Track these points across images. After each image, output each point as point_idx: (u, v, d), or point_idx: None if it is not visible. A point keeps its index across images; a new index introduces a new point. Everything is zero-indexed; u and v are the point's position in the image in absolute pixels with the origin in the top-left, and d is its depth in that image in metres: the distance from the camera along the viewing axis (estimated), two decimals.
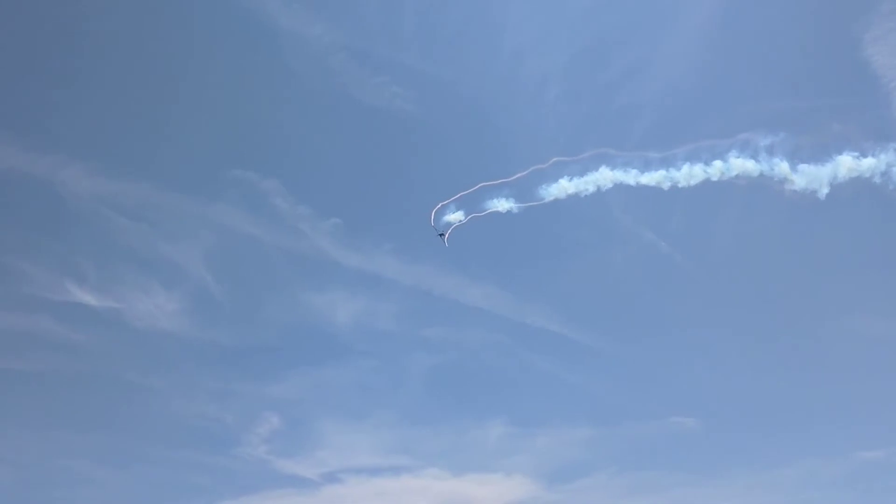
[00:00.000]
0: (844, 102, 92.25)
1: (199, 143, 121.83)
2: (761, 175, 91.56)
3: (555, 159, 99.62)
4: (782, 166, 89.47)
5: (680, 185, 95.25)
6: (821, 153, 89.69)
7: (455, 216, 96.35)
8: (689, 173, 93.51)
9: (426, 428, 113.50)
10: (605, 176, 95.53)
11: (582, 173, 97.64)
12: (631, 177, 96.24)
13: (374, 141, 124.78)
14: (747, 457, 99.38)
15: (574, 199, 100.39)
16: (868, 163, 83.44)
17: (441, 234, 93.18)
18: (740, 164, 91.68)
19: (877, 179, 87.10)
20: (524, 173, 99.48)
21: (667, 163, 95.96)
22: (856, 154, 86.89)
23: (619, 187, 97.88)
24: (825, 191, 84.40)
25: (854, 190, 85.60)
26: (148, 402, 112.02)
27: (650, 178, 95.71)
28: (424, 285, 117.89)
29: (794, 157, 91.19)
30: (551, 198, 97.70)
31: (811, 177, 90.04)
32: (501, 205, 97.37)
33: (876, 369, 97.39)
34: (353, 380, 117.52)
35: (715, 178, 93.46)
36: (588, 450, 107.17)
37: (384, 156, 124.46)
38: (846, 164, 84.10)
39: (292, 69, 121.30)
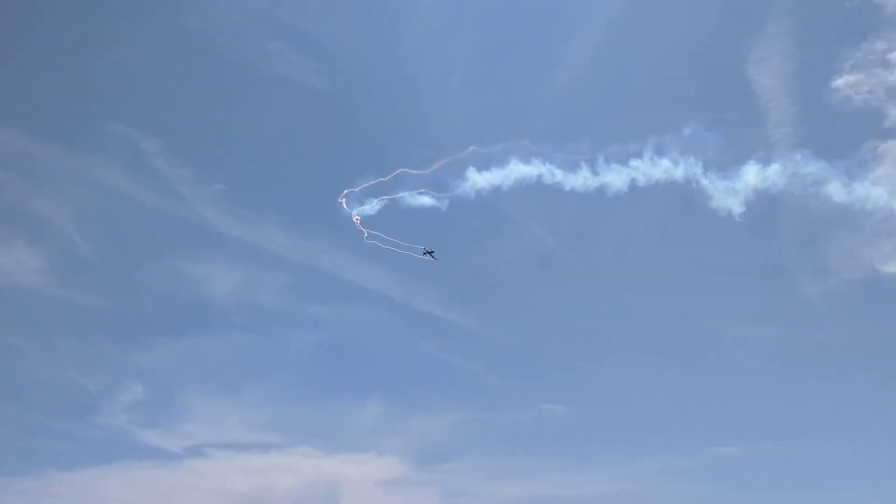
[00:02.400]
0: (725, 116, 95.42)
1: (79, 93, 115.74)
2: (648, 181, 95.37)
3: (472, 148, 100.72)
4: (668, 173, 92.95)
5: (573, 185, 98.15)
6: (701, 164, 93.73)
7: (367, 207, 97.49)
8: (584, 175, 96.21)
9: (301, 406, 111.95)
10: (515, 170, 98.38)
11: (489, 167, 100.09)
12: (537, 172, 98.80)
13: (269, 109, 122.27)
14: (613, 446, 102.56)
15: (474, 189, 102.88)
16: (754, 175, 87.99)
17: (427, 252, 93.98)
18: (628, 170, 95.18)
19: (749, 194, 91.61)
20: (440, 163, 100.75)
21: (565, 162, 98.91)
22: (739, 167, 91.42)
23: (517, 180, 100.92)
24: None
25: (731, 203, 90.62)
26: (3, 362, 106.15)
27: (549, 175, 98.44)
28: (311, 261, 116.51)
29: (678, 165, 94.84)
30: (462, 190, 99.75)
31: (694, 186, 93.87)
32: (418, 199, 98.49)
33: (735, 371, 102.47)
34: (228, 353, 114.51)
35: (608, 182, 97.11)
36: (462, 432, 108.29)
37: (279, 125, 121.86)
38: (750, 175, 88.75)
39: (187, 26, 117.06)
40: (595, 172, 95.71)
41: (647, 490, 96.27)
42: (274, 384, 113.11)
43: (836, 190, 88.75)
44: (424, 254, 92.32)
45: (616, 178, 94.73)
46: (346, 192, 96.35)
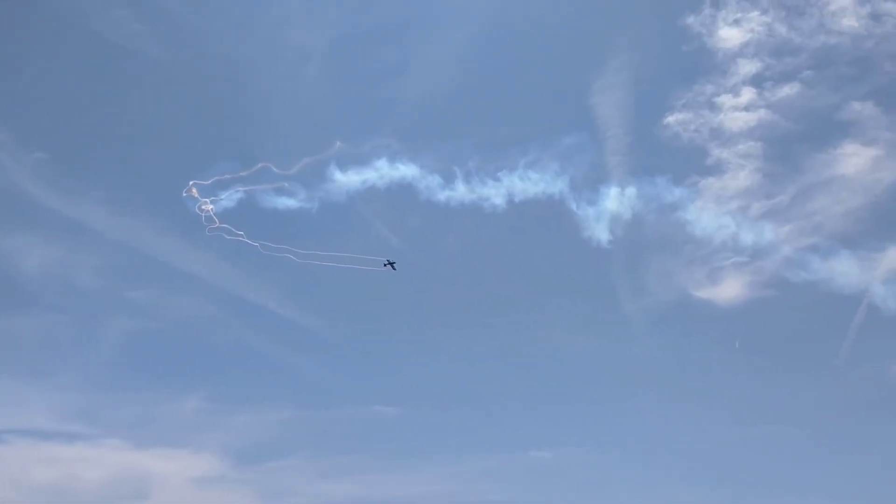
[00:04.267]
0: (567, 140, 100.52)
1: None
2: (504, 193, 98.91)
3: (330, 145, 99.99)
4: (520, 185, 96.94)
5: (426, 188, 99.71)
6: (540, 182, 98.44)
7: (220, 199, 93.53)
8: (436, 179, 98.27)
9: (113, 395, 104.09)
10: (371, 170, 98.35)
11: (343, 165, 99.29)
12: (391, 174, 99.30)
13: (105, 78, 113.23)
14: (438, 448, 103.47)
15: (320, 183, 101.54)
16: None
17: (388, 264, 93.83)
18: (481, 180, 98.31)
19: (584, 211, 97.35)
20: (303, 161, 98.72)
21: (419, 164, 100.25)
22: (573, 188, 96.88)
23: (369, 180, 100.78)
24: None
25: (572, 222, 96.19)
26: None
27: (402, 176, 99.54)
28: (136, 242, 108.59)
29: (519, 180, 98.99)
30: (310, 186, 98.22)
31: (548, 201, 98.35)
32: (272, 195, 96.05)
33: (558, 379, 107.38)
34: (36, 334, 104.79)
35: (460, 188, 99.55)
36: (286, 431, 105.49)
37: (113, 96, 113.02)
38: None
39: None
40: (448, 178, 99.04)
41: (468, 490, 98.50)
42: (85, 371, 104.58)
43: (660, 218, 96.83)
44: (385, 265, 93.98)
45: (468, 186, 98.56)
46: (192, 182, 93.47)
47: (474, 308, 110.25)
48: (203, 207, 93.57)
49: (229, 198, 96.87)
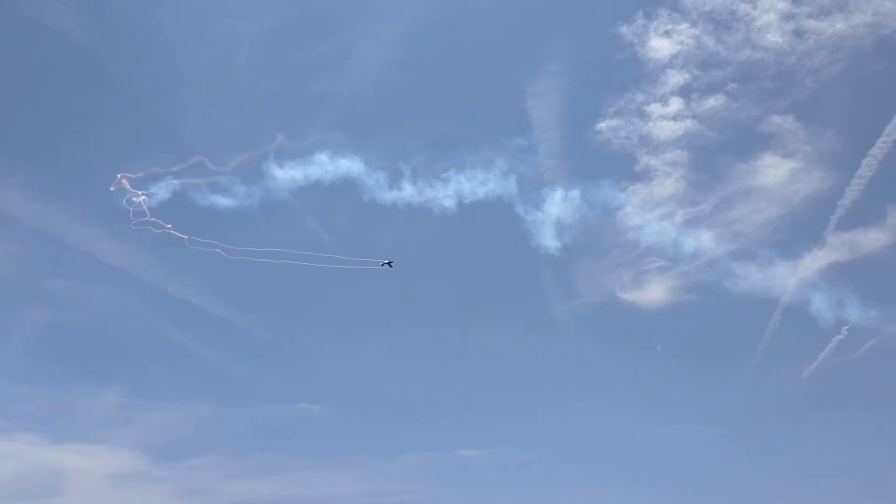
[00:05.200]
0: (505, 142, 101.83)
1: None
2: (436, 191, 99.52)
3: (279, 138, 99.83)
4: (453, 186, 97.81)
5: (360, 184, 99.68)
6: (474, 182, 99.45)
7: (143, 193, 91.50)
8: (375, 177, 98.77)
9: (27, 388, 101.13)
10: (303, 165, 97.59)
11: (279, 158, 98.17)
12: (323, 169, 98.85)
13: (29, 61, 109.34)
14: (365, 447, 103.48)
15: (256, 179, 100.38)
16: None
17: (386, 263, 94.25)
18: (412, 178, 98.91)
19: (525, 212, 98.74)
20: (244, 155, 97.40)
21: (353, 161, 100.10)
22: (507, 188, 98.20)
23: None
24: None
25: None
26: None
27: (335, 172, 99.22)
28: (56, 231, 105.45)
29: (456, 179, 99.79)
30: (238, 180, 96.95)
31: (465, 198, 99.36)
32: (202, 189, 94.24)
33: (486, 379, 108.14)
34: None
35: (393, 186, 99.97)
36: (207, 428, 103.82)
37: (37, 80, 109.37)
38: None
39: None
40: (392, 176, 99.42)
41: (393, 489, 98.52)
42: None
43: (591, 220, 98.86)
44: (383, 264, 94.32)
45: (413, 186, 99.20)
46: (122, 175, 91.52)
47: (404, 308, 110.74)
48: (134, 199, 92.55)
49: (161, 191, 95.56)
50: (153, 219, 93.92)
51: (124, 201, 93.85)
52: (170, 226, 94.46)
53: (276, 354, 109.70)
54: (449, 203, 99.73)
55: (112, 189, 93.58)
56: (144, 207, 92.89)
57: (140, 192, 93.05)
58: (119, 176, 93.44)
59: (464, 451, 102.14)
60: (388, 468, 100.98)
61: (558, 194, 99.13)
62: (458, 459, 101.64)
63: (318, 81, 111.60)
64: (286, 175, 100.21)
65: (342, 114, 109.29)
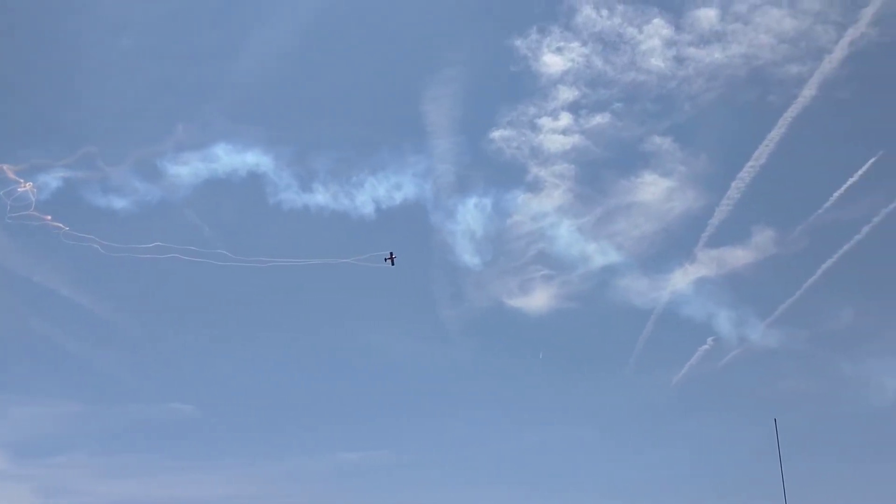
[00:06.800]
0: (397, 143, 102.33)
1: None
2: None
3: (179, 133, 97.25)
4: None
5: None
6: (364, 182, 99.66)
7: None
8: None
9: None
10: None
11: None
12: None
13: None
14: (241, 449, 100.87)
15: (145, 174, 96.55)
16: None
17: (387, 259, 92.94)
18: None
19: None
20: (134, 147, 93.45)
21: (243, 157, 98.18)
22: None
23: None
24: None
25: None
26: None
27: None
28: None
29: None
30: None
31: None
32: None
33: (371, 381, 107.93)
34: None
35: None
36: (73, 426, 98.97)
37: None
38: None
39: None
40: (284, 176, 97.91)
41: (268, 492, 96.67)
42: None
43: (482, 227, 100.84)
44: (386, 259, 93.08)
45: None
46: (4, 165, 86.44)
47: (285, 309, 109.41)
48: (19, 189, 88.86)
49: (48, 183, 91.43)
50: (34, 212, 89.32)
51: (2, 193, 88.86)
52: (49, 217, 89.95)
53: (150, 352, 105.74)
54: (322, 201, 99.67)
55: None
56: (32, 199, 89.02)
57: (24, 183, 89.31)
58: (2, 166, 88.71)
59: (344, 455, 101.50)
60: (263, 471, 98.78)
61: (450, 201, 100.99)
62: (337, 463, 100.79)
63: (207, 72, 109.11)
64: (178, 171, 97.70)
65: (231, 107, 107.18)
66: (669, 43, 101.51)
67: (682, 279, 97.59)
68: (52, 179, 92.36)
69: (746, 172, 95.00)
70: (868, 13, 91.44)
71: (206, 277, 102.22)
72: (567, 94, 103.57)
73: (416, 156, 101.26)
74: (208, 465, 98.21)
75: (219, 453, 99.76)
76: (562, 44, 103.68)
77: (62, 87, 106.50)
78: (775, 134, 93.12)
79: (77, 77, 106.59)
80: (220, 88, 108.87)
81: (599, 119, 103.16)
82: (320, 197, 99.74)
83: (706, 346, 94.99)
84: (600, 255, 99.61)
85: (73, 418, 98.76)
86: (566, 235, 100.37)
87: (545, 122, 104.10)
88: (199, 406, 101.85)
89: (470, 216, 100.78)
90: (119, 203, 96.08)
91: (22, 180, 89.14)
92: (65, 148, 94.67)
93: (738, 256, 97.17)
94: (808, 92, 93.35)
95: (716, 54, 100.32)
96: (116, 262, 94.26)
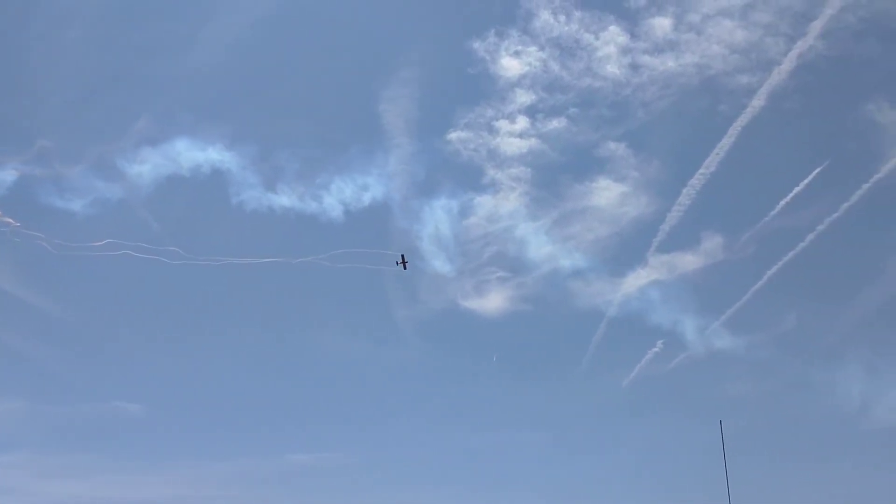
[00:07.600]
0: (354, 145, 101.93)
1: None
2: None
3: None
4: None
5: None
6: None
7: None
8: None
9: None
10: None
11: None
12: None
13: None
14: (189, 449, 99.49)
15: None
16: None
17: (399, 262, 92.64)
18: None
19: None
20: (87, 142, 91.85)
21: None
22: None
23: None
24: None
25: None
26: None
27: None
28: None
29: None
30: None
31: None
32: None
33: (321, 382, 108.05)
34: None
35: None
36: (14, 424, 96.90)
37: None
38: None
39: None
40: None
41: (215, 495, 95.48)
42: None
43: (437, 228, 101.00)
44: (398, 263, 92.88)
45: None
46: None
47: (236, 308, 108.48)
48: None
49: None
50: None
51: None
52: None
53: (96, 350, 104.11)
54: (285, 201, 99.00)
55: None
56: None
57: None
58: None
59: (293, 456, 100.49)
60: (210, 472, 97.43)
61: (408, 202, 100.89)
62: (287, 464, 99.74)
63: (162, 65, 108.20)
64: (139, 170, 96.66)
65: (189, 101, 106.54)
66: (625, 50, 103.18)
67: (634, 283, 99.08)
68: (7, 175, 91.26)
69: (697, 179, 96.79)
70: (817, 26, 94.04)
71: (157, 276, 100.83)
72: (524, 97, 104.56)
73: (373, 156, 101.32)
74: (155, 466, 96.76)
75: (166, 453, 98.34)
76: (520, 48, 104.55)
77: (11, 82, 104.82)
78: (725, 142, 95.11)
79: (25, 71, 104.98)
80: (177, 81, 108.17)
81: (556, 123, 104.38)
82: (286, 198, 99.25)
83: (656, 349, 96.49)
84: (555, 258, 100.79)
85: (14, 416, 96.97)
86: (522, 238, 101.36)
87: (502, 124, 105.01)
88: (146, 405, 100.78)
89: (430, 218, 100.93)
90: (77, 203, 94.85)
91: None
92: (20, 143, 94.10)
93: (688, 261, 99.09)
94: (758, 102, 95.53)
95: (669, 63, 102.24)
96: (65, 259, 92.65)
